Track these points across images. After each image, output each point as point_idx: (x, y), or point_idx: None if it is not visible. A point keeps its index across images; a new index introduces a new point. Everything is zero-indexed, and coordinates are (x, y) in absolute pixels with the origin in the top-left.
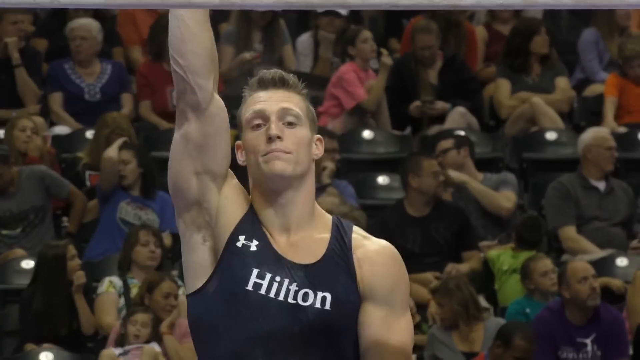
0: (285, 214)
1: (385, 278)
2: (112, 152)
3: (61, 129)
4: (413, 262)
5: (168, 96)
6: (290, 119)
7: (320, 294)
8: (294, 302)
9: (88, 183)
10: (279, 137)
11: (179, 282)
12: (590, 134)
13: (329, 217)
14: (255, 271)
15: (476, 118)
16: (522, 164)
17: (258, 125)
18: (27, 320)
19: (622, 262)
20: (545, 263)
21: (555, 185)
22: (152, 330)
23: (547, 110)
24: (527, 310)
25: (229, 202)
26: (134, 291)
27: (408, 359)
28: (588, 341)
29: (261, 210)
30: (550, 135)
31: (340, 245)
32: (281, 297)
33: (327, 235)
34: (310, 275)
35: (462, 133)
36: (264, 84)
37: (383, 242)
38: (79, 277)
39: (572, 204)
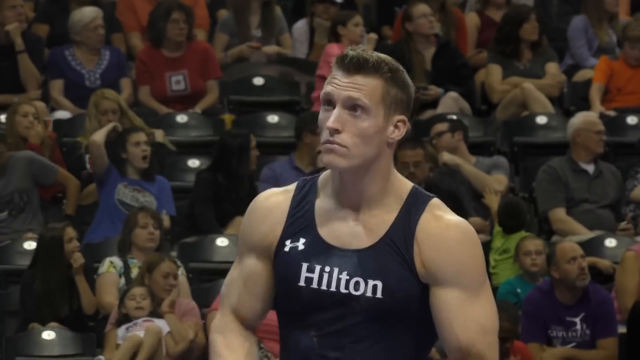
0: (354, 191)
1: (449, 261)
2: (98, 136)
3: (62, 114)
4: None
5: (166, 82)
6: (355, 108)
7: (371, 283)
8: (346, 291)
9: (88, 166)
10: (337, 131)
11: (178, 263)
12: (579, 118)
13: (407, 191)
14: (304, 265)
15: (468, 103)
16: (513, 147)
17: (327, 107)
18: (28, 301)
19: (610, 243)
20: (536, 243)
21: (546, 169)
22: (151, 303)
23: (537, 95)
24: (518, 290)
25: (263, 237)
26: (134, 271)
27: (490, 336)
28: (577, 320)
29: (328, 185)
30: (541, 120)
31: (403, 227)
32: (333, 288)
33: (393, 215)
34: (362, 263)
35: (455, 117)
36: (343, 66)
37: (452, 221)
38: (77, 259)
39: (562, 187)
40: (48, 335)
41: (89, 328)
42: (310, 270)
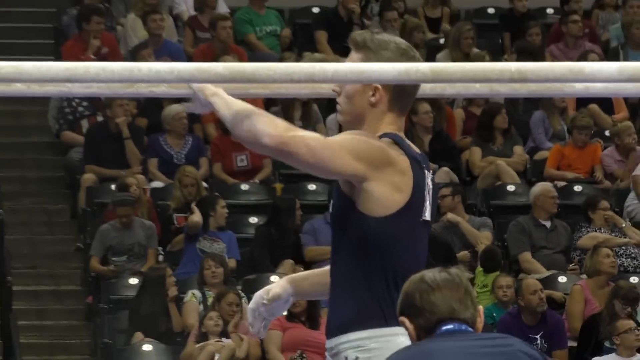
0: None
1: None
2: (197, 217)
3: (157, 184)
4: None
5: (233, 160)
6: None
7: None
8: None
9: (176, 222)
10: (337, 93)
11: (242, 294)
12: (539, 187)
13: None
14: None
15: (456, 175)
16: (489, 208)
17: None
18: (135, 321)
19: (562, 279)
20: (507, 280)
21: (515, 224)
22: (222, 324)
23: (507, 170)
24: (494, 314)
25: None
26: (209, 300)
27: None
28: (538, 337)
29: None
30: (510, 188)
31: None
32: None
33: None
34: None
35: (456, 184)
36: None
37: None
38: (173, 291)
39: (527, 237)
40: (147, 347)
41: (176, 342)
42: None
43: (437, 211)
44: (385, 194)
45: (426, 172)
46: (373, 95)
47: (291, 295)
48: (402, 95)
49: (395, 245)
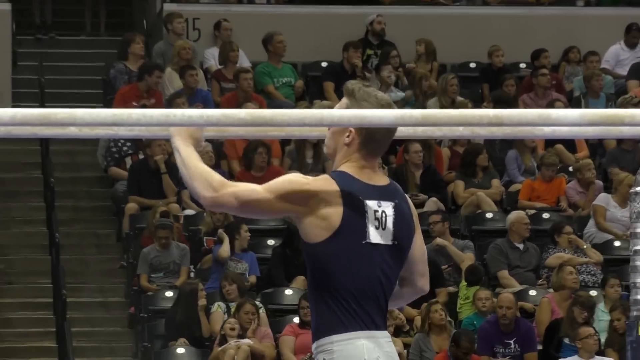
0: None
1: None
2: (225, 253)
3: (189, 212)
4: None
5: None
6: None
7: None
8: None
9: (205, 244)
10: (328, 129)
11: (259, 305)
12: (513, 215)
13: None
14: None
15: (443, 204)
16: (471, 233)
17: None
18: (170, 329)
19: (532, 293)
20: (486, 293)
21: (494, 246)
22: (239, 330)
23: (486, 200)
24: (475, 322)
25: None
26: (232, 310)
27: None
28: (512, 342)
29: None
30: (489, 215)
31: None
32: None
33: None
34: None
35: (444, 211)
36: None
37: None
38: (203, 302)
39: (504, 257)
40: (180, 350)
41: (205, 346)
42: None
43: (428, 234)
44: (313, 222)
45: (381, 202)
46: (348, 136)
47: None
48: (371, 141)
49: (336, 265)
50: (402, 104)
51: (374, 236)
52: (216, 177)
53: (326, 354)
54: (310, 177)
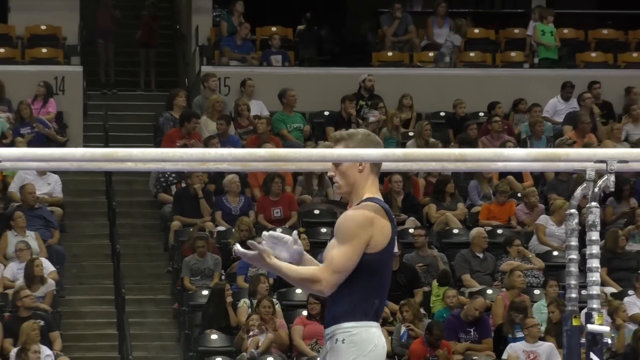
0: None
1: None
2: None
3: (221, 228)
4: (392, 292)
5: (271, 212)
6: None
7: None
8: None
9: (234, 254)
10: (333, 176)
11: (275, 301)
12: (475, 231)
13: (362, 199)
14: None
15: (419, 222)
16: (442, 245)
17: None
18: (205, 319)
19: (490, 292)
20: (453, 292)
21: (460, 255)
22: (260, 320)
23: (453, 219)
24: (444, 315)
25: None
26: (255, 305)
27: (331, 267)
28: (472, 330)
29: None
30: (455, 231)
31: None
32: None
33: None
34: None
35: (421, 227)
36: None
37: (349, 210)
38: (229, 299)
39: (467, 264)
40: (214, 336)
41: (233, 333)
42: None
43: (411, 246)
44: (376, 238)
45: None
46: (360, 165)
47: (297, 253)
48: (376, 164)
49: (377, 269)
50: (375, 125)
51: (396, 247)
52: (312, 271)
53: (346, 335)
54: (365, 211)
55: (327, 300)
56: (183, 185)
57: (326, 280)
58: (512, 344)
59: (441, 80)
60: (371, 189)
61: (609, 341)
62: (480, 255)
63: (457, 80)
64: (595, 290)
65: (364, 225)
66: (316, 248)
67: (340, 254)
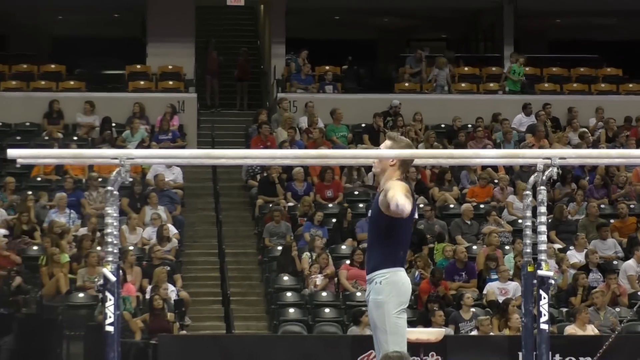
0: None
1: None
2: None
3: (291, 203)
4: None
5: (325, 193)
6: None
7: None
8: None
9: (299, 222)
10: (375, 162)
11: (328, 254)
12: (464, 206)
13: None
14: None
15: (427, 200)
16: (442, 215)
17: None
18: (280, 266)
19: (475, 247)
20: (451, 247)
21: (454, 222)
22: (319, 268)
23: (450, 198)
24: (444, 264)
25: None
26: (314, 257)
27: (392, 191)
28: (463, 273)
29: None
30: (452, 206)
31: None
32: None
33: None
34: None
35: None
36: None
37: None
38: (295, 253)
39: (459, 229)
40: (286, 278)
41: (299, 276)
42: None
43: (422, 217)
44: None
45: None
46: (392, 161)
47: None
48: (404, 164)
49: (406, 229)
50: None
51: (416, 213)
52: (402, 193)
53: (382, 278)
54: (404, 183)
55: (367, 253)
56: (265, 174)
57: (401, 204)
58: (490, 283)
59: (442, 102)
60: (396, 175)
61: (552, 282)
62: (469, 222)
63: (453, 103)
64: (543, 246)
65: (406, 187)
66: (356, 218)
67: (401, 193)
